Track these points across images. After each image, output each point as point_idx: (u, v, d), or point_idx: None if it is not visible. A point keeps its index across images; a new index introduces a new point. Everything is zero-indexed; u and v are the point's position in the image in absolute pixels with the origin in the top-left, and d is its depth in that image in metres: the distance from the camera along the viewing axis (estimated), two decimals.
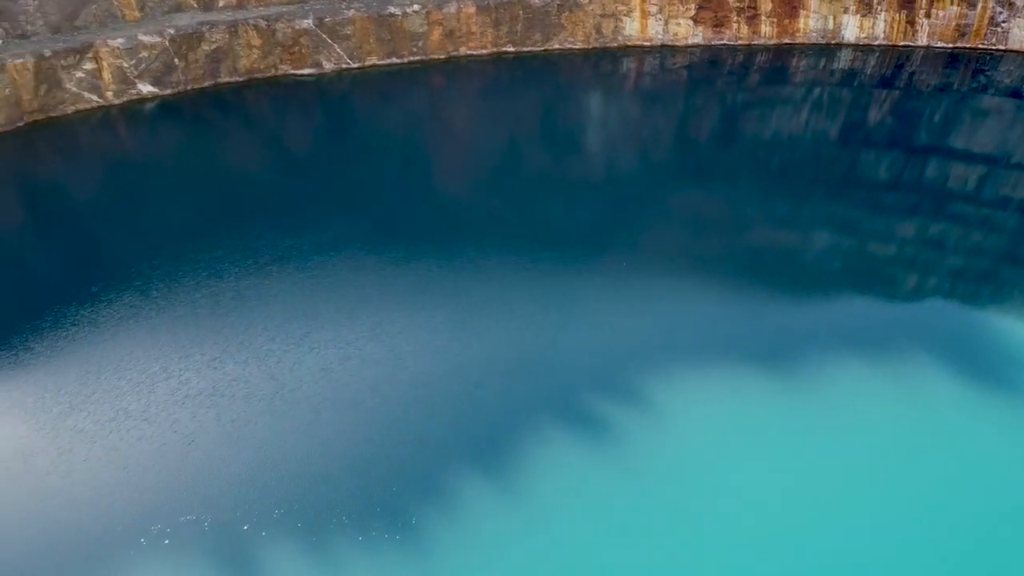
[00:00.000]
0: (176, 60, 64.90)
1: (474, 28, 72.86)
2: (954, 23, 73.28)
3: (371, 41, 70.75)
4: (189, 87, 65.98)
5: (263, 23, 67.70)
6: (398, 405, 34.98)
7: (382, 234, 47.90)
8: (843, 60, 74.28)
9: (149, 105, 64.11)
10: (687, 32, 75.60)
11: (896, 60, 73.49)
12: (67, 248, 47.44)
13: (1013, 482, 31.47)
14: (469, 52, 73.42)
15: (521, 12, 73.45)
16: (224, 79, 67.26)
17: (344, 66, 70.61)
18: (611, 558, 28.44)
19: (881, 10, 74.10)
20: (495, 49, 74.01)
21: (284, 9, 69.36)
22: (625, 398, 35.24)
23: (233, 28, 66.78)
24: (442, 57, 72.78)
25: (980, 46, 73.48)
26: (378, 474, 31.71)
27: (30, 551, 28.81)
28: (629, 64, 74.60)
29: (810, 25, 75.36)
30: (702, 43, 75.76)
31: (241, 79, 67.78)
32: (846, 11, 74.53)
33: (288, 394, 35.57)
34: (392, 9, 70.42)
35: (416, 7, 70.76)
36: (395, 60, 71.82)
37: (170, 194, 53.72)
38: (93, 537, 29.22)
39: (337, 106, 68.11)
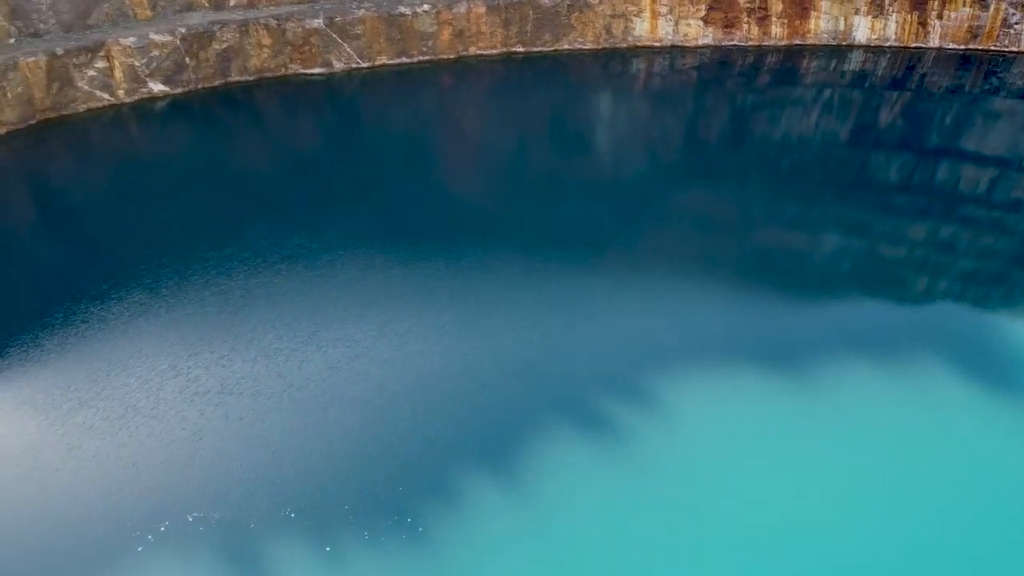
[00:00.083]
0: (187, 59, 65.18)
1: (484, 28, 72.89)
2: (966, 24, 72.88)
3: (381, 41, 70.88)
4: (200, 86, 66.24)
5: (273, 22, 67.93)
6: (406, 404, 35.04)
7: (391, 233, 47.98)
8: (854, 61, 73.97)
9: (160, 104, 64.41)
10: (697, 33, 75.44)
11: (907, 62, 73.15)
12: (78, 245, 47.71)
13: (1020, 485, 31.30)
14: (479, 52, 73.47)
15: (531, 12, 73.45)
16: (234, 78, 67.51)
17: (354, 65, 70.78)
18: (618, 558, 28.41)
19: (893, 11, 73.76)
20: (505, 49, 74.04)
21: (294, 8, 69.56)
22: (633, 399, 35.20)
23: (244, 27, 67.02)
24: (452, 57, 72.85)
25: (993, 48, 73.05)
26: (385, 473, 31.77)
27: (39, 547, 28.99)
28: (639, 65, 74.50)
29: (821, 26, 75.07)
30: (712, 44, 75.58)
31: (251, 78, 68.02)
32: (857, 12, 74.21)
33: (296, 392, 35.67)
34: (402, 9, 70.54)
35: (426, 7, 70.86)
36: (405, 60, 71.94)
37: (180, 192, 53.95)
38: (101, 533, 29.38)
39: (347, 106, 68.27)
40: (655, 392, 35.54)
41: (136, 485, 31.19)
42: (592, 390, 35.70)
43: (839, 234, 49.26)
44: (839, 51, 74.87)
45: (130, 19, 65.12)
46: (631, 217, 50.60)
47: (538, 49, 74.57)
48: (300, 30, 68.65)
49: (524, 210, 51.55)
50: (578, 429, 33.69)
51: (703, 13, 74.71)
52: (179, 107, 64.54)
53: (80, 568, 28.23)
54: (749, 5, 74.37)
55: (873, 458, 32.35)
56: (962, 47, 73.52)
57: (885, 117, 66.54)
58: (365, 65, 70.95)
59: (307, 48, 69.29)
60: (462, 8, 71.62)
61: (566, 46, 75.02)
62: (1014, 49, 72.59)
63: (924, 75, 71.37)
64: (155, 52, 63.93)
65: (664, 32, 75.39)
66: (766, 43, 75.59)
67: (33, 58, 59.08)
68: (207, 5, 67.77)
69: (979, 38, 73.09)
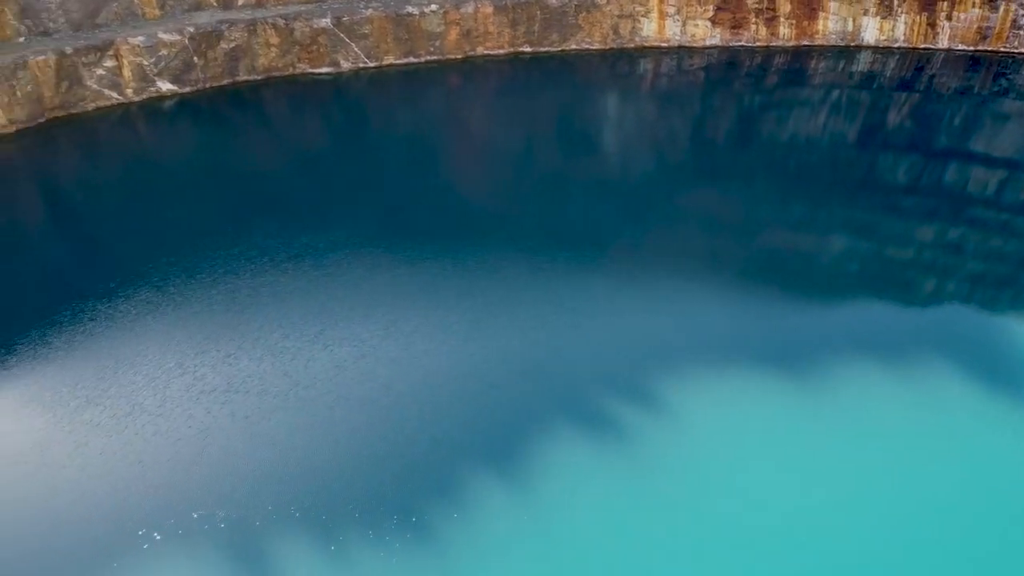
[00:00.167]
0: (195, 58, 65.38)
1: (491, 28, 72.92)
2: (976, 26, 72.60)
3: (388, 40, 70.98)
4: (208, 85, 66.46)
5: (281, 22, 68.10)
6: (412, 403, 35.07)
7: (397, 233, 48.03)
8: (862, 62, 73.76)
9: (168, 103, 64.64)
10: (705, 33, 75.34)
11: (916, 63, 72.91)
12: (86, 244, 47.92)
13: None
14: (486, 52, 73.51)
15: (538, 12, 73.45)
16: (242, 77, 67.71)
17: (361, 65, 70.89)
18: (623, 558, 28.39)
19: (901, 12, 73.52)
20: (512, 49, 74.07)
21: (302, 8, 69.72)
22: (638, 399, 35.17)
23: (252, 27, 67.21)
24: (459, 57, 72.91)
25: (1002, 49, 72.74)
26: (391, 472, 31.80)
27: (45, 543, 29.11)
28: (646, 65, 74.43)
29: (829, 27, 74.87)
30: (720, 44, 75.48)
31: (259, 77, 68.22)
32: (866, 13, 74.00)
33: (302, 391, 35.74)
34: (410, 9, 70.62)
35: (434, 7, 70.93)
36: (412, 59, 72.02)
37: (188, 191, 54.12)
38: (108, 530, 29.48)
39: (354, 105, 68.39)
40: (661, 393, 35.51)
41: (142, 483, 31.30)
42: (598, 390, 35.68)
43: (846, 235, 49.12)
44: (847, 52, 74.68)
45: (139, 18, 65.37)
46: (638, 218, 50.55)
47: (545, 49, 74.58)
48: (308, 30, 68.79)
49: (531, 210, 51.56)
50: (584, 429, 33.67)
51: (711, 14, 74.60)
52: (187, 106, 64.76)
53: (86, 565, 28.34)
54: (757, 6, 74.24)
55: (878, 460, 32.26)
56: (971, 48, 73.25)
57: (893, 118, 66.31)
58: (372, 65, 71.06)
59: (315, 48, 69.43)
60: (469, 8, 71.66)
61: (573, 46, 75.00)
62: None
63: (933, 76, 71.11)
64: (164, 51, 64.15)
65: (672, 32, 75.31)
66: (774, 44, 75.44)
67: (42, 57, 59.37)
68: (215, 4, 67.98)
69: (988, 39, 72.80)
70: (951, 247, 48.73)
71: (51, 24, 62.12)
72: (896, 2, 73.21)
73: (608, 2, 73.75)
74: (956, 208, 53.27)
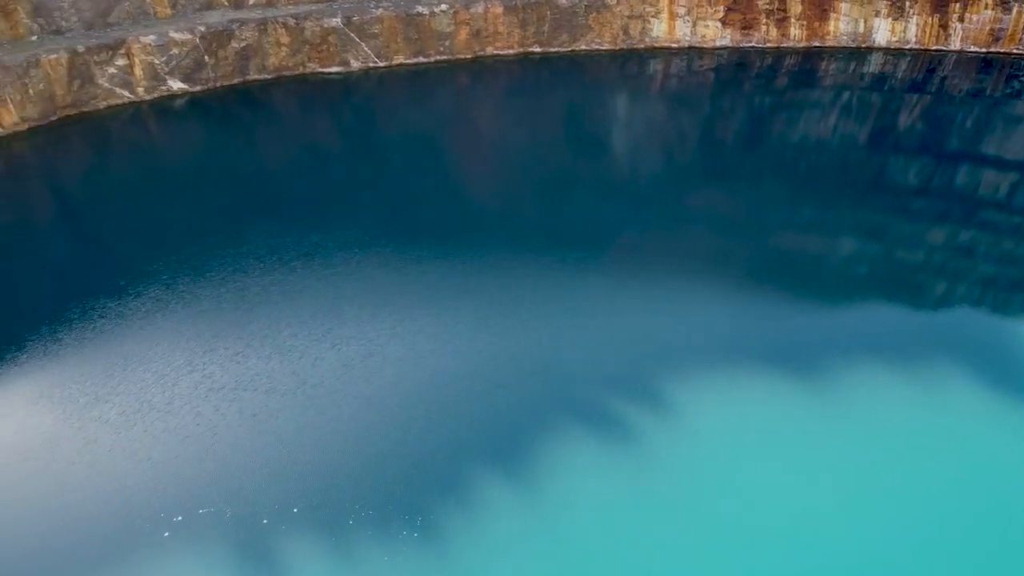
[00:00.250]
0: (206, 57, 65.66)
1: (501, 28, 72.95)
2: (988, 27, 72.17)
3: (398, 40, 71.11)
4: (218, 84, 66.73)
5: (292, 21, 68.31)
6: (418, 402, 35.13)
7: (406, 232, 48.12)
8: (873, 64, 73.44)
9: (179, 101, 64.93)
10: (715, 34, 75.16)
11: (928, 64, 72.54)
12: (96, 241, 48.19)
13: None
14: (496, 52, 73.55)
15: (548, 13, 73.44)
16: (253, 76, 67.95)
17: (371, 65, 71.05)
18: (628, 558, 28.36)
19: (913, 14, 73.16)
20: (522, 49, 74.08)
21: (313, 8, 69.93)
22: (645, 400, 35.13)
23: (263, 26, 67.45)
24: (469, 57, 72.97)
25: (1015, 51, 72.28)
26: (398, 471, 31.86)
27: (54, 539, 29.30)
28: (656, 66, 74.32)
29: (840, 28, 74.57)
30: (730, 45, 75.29)
31: (269, 77, 68.45)
32: (877, 14, 73.67)
33: (310, 389, 35.85)
34: (420, 8, 70.72)
35: (444, 7, 71.00)
36: (422, 59, 72.13)
37: (198, 190, 54.37)
38: (116, 527, 29.64)
39: (363, 105, 68.54)
40: (667, 393, 35.46)
41: (151, 479, 31.46)
42: (604, 390, 35.65)
43: (856, 238, 48.93)
44: (858, 53, 74.36)
45: (150, 17, 65.71)
46: (646, 218, 50.48)
47: (555, 49, 74.56)
48: (318, 29, 68.99)
49: (539, 210, 51.56)
50: (589, 429, 33.65)
51: (721, 14, 74.42)
52: (198, 105, 65.04)
53: (95, 561, 28.50)
54: (768, 7, 74.02)
55: (884, 462, 32.12)
56: (983, 50, 72.82)
57: (904, 120, 65.99)
58: (382, 64, 71.21)
59: (325, 47, 69.62)
60: (479, 8, 71.72)
61: (583, 47, 74.96)
62: None
63: (945, 78, 70.74)
64: (175, 50, 64.46)
65: (682, 33, 75.17)
66: (784, 45, 75.19)
67: (55, 55, 59.74)
68: (226, 4, 68.25)
69: (1001, 41, 72.36)
70: (961, 250, 48.47)
71: (63, 23, 62.50)
72: (908, 3, 72.87)
73: (618, 2, 73.67)
74: (967, 211, 52.98)
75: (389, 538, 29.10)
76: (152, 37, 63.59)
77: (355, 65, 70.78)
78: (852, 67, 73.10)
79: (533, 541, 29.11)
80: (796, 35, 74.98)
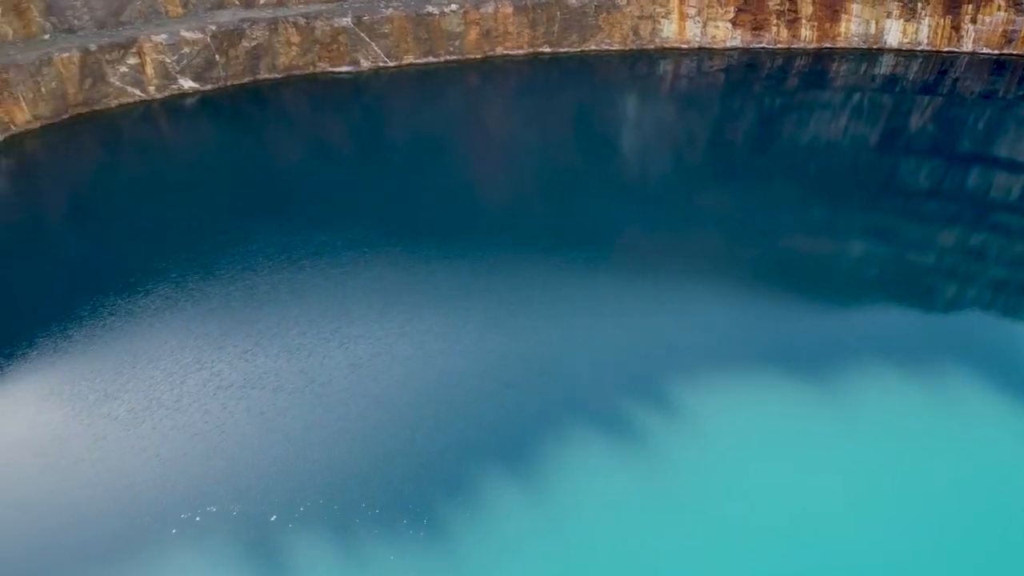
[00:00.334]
0: (217, 56, 65.89)
1: (511, 28, 72.95)
2: (1001, 29, 71.73)
3: (408, 40, 71.18)
4: (229, 83, 66.94)
5: (303, 21, 68.49)
6: (427, 402, 35.15)
7: (415, 232, 48.15)
8: (885, 65, 73.09)
9: (190, 100, 65.18)
10: (725, 35, 74.95)
11: (940, 66, 72.14)
12: (107, 238, 48.38)
13: None
14: (505, 52, 73.54)
15: (558, 13, 73.39)
16: (263, 76, 68.15)
17: (381, 64, 71.15)
18: (636, 558, 28.31)
19: (925, 15, 72.78)
20: (531, 49, 74.05)
21: (323, 7, 70.08)
22: (653, 400, 35.05)
23: (273, 25, 67.64)
24: (478, 57, 72.98)
25: None
26: (405, 470, 31.89)
27: (63, 535, 29.43)
28: (666, 66, 74.17)
29: (851, 29, 74.25)
30: (740, 46, 75.06)
31: (280, 76, 68.64)
32: (889, 16, 73.31)
33: (318, 388, 35.92)
34: (430, 8, 70.79)
35: (454, 7, 71.05)
36: (432, 59, 72.18)
37: (208, 188, 54.56)
38: (124, 523, 29.76)
39: (373, 104, 68.65)
40: (675, 394, 35.37)
41: (159, 476, 31.58)
42: (612, 391, 35.59)
43: (866, 240, 48.69)
44: (870, 55, 74.01)
45: (162, 16, 65.98)
46: (656, 219, 50.38)
47: (565, 50, 74.50)
48: (329, 29, 69.14)
49: (548, 210, 51.51)
50: (598, 430, 33.60)
51: (732, 15, 74.20)
52: (208, 104, 65.27)
53: (104, 557, 28.63)
54: (778, 7, 73.77)
55: (894, 464, 31.97)
56: (996, 52, 72.37)
57: (916, 122, 65.66)
58: (392, 64, 71.30)
59: (335, 47, 69.76)
60: (489, 8, 71.73)
61: (593, 47, 74.87)
62: None
63: (956, 80, 70.34)
64: (186, 49, 64.71)
65: (692, 34, 74.99)
66: (795, 46, 74.91)
67: (67, 54, 60.06)
68: (237, 3, 68.48)
69: (1014, 43, 71.89)
70: (972, 253, 48.20)
71: (76, 21, 62.83)
72: (920, 5, 72.49)
73: (628, 3, 73.57)
74: (979, 214, 52.66)
75: (396, 537, 29.13)
76: (163, 36, 63.86)
77: (365, 65, 70.90)
78: (863, 68, 72.78)
79: (541, 541, 29.09)
80: (807, 36, 74.70)
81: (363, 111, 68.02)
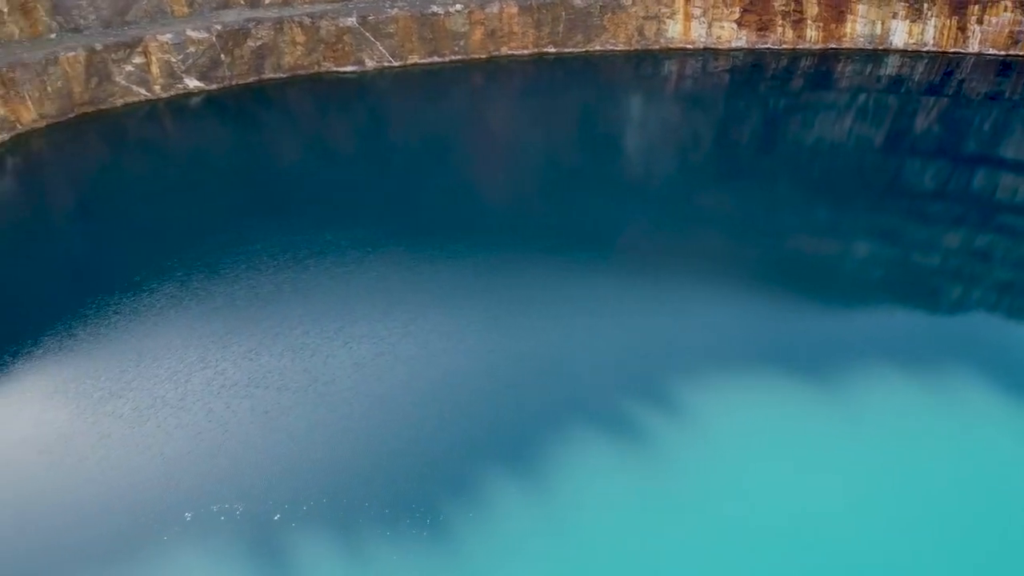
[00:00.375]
0: (222, 56, 66.01)
1: (516, 28, 72.95)
2: (1007, 30, 71.50)
3: (413, 40, 71.23)
4: (234, 83, 67.06)
5: (308, 20, 68.58)
6: (430, 401, 35.17)
7: (419, 232, 48.18)
8: (891, 66, 72.92)
9: (195, 99, 65.30)
10: (731, 35, 74.86)
11: (946, 67, 71.95)
12: (112, 237, 48.51)
13: None
14: (510, 52, 73.54)
15: (563, 13, 73.38)
16: (268, 75, 68.26)
17: (386, 64, 71.21)
18: (639, 558, 28.29)
19: (931, 16, 72.59)
20: (536, 49, 74.05)
21: (329, 7, 70.17)
22: (656, 400, 35.02)
23: (279, 25, 67.74)
24: (483, 57, 73.00)
25: None
26: (408, 469, 31.91)
27: (67, 533, 29.52)
28: (671, 67, 74.10)
29: (857, 30, 74.09)
30: (746, 47, 74.95)
31: (285, 75, 68.73)
32: (895, 16, 73.14)
33: (322, 387, 35.96)
34: (435, 8, 70.83)
35: (459, 7, 71.08)
36: (436, 59, 72.22)
37: (213, 187, 54.68)
38: (128, 521, 29.82)
39: (378, 104, 68.71)
40: (679, 395, 35.33)
41: (163, 475, 31.64)
42: (615, 391, 35.57)
43: (871, 241, 48.59)
44: (875, 55, 73.86)
45: (167, 16, 66.14)
46: (660, 220, 50.35)
47: (570, 50, 74.48)
48: (333, 28, 69.23)
49: (552, 211, 51.50)
50: (601, 429, 33.59)
51: (737, 15, 74.12)
52: (213, 103, 65.39)
53: (107, 555, 28.69)
54: (784, 8, 73.66)
55: (897, 465, 31.90)
56: (1002, 53, 72.14)
57: (921, 123, 65.51)
58: (397, 64, 71.36)
59: (340, 46, 69.84)
60: (494, 8, 71.75)
61: (598, 47, 74.84)
62: None
63: (963, 81, 70.15)
64: (191, 49, 64.84)
65: (697, 34, 74.91)
66: (800, 46, 74.78)
67: (73, 53, 60.23)
68: (243, 3, 68.61)
69: (1021, 44, 71.66)
70: (976, 254, 48.07)
71: (82, 21, 63.01)
72: (926, 5, 72.29)
73: (633, 3, 73.52)
74: (985, 215, 52.52)
75: (400, 536, 29.15)
76: (169, 35, 64.00)
77: (370, 64, 70.97)
78: (869, 69, 72.62)
79: (543, 541, 29.09)
80: (812, 37, 74.56)
81: (368, 111, 68.09)
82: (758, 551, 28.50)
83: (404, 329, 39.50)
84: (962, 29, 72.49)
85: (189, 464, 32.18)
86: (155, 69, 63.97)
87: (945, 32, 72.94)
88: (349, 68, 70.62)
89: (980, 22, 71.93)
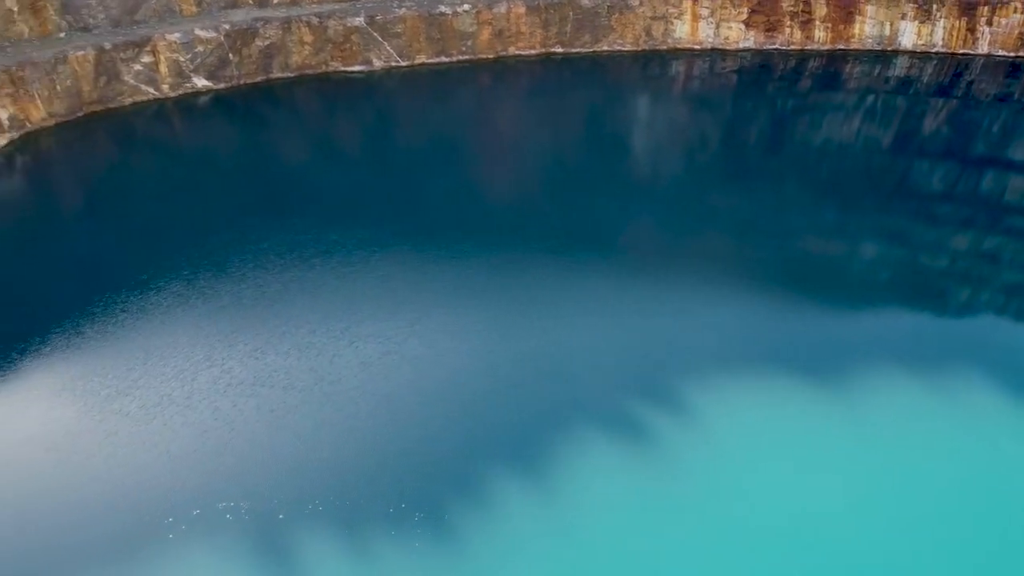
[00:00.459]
0: (231, 55, 66.18)
1: (523, 28, 72.94)
2: (1017, 31, 71.14)
3: (421, 40, 71.29)
4: (242, 82, 67.21)
5: (315, 20, 68.70)
6: (435, 401, 35.22)
7: (426, 232, 48.22)
8: (899, 67, 72.64)
9: (203, 98, 65.49)
10: (738, 36, 74.67)
11: (954, 68, 71.63)
12: (119, 236, 48.67)
13: None
14: (518, 52, 73.53)
15: (571, 13, 73.33)
16: (276, 75, 68.39)
17: (394, 64, 71.28)
18: (643, 558, 28.27)
19: (940, 17, 72.26)
20: (544, 50, 74.02)
21: (336, 7, 70.27)
22: (662, 401, 34.98)
23: (287, 24, 67.87)
24: (491, 57, 73.00)
25: None
26: (414, 468, 31.96)
27: (74, 530, 29.66)
28: (678, 67, 73.97)
29: (866, 31, 73.82)
30: (753, 47, 74.74)
31: (292, 75, 68.85)
32: (904, 17, 72.84)
33: (327, 386, 36.04)
34: (442, 8, 70.87)
35: (466, 7, 71.10)
36: (444, 59, 72.25)
37: (220, 186, 54.83)
38: (134, 518, 29.95)
39: (386, 104, 68.77)
40: (684, 396, 35.29)
41: (169, 473, 31.77)
42: (621, 392, 35.55)
43: (878, 243, 48.43)
44: (884, 56, 73.57)
45: (176, 15, 66.33)
46: (667, 220, 50.29)
47: (577, 50, 74.42)
48: (341, 28, 69.32)
49: (559, 211, 51.45)
50: (605, 430, 33.57)
51: (745, 16, 73.92)
52: (221, 102, 65.56)
53: (113, 552, 28.82)
54: (792, 9, 73.44)
55: (903, 467, 31.83)
56: (1012, 54, 71.77)
57: (930, 124, 65.25)
58: (405, 64, 71.42)
59: (348, 46, 69.93)
60: (502, 8, 71.75)
61: (605, 47, 74.76)
62: None
63: (972, 82, 69.83)
64: (200, 48, 65.03)
65: (705, 35, 74.75)
66: (809, 47, 74.55)
67: (82, 52, 60.47)
68: (251, 2, 68.75)
69: None
70: (984, 256, 47.87)
71: (91, 20, 63.25)
72: (935, 6, 71.98)
73: (641, 4, 73.43)
74: (993, 217, 52.29)
75: (404, 535, 29.20)
76: (178, 35, 64.20)
77: (377, 64, 71.05)
78: (877, 70, 72.35)
79: (548, 540, 29.10)
80: (820, 37, 74.32)
81: (375, 111, 68.17)
82: (763, 552, 28.46)
83: (410, 329, 39.55)
84: (971, 30, 72.14)
85: (195, 462, 32.30)
86: (163, 68, 64.18)
87: (954, 33, 72.61)
88: (357, 68, 70.71)
89: (989, 23, 71.58)
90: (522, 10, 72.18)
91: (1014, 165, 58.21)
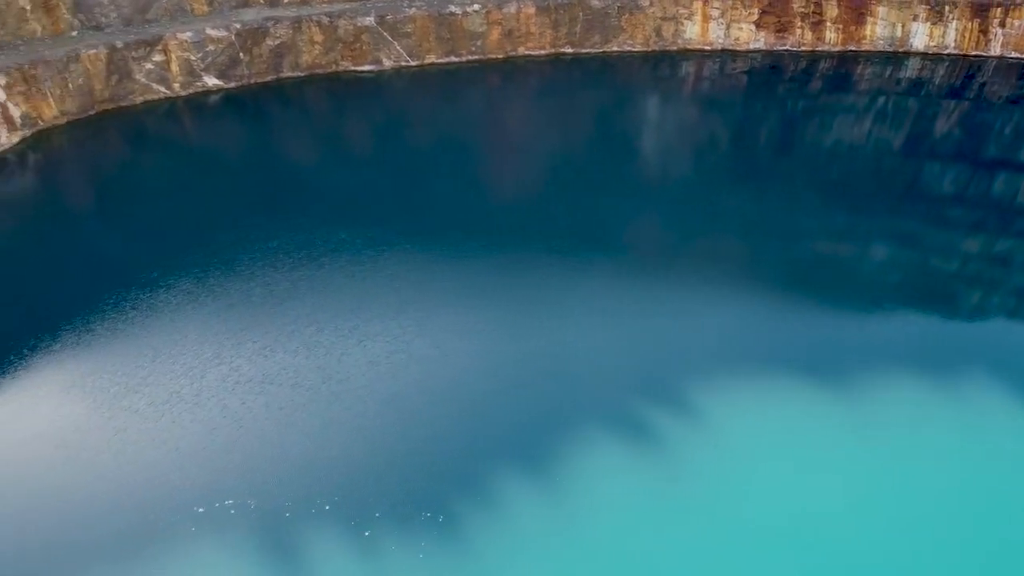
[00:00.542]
0: (241, 54, 66.42)
1: (533, 28, 72.93)
2: None
3: (431, 39, 71.37)
4: (252, 81, 67.42)
5: (326, 20, 68.86)
6: (443, 400, 35.25)
7: (434, 231, 48.28)
8: (910, 69, 72.27)
9: (214, 97, 65.72)
10: (749, 37, 74.46)
11: (967, 70, 71.22)
12: (130, 233, 48.91)
13: None
14: (527, 52, 73.50)
15: (581, 14, 73.27)
16: (286, 74, 68.59)
17: (403, 64, 71.38)
18: (650, 559, 28.23)
19: (952, 18, 71.87)
20: (553, 50, 73.98)
21: (347, 6, 70.42)
22: (669, 403, 34.92)
23: (297, 24, 68.06)
24: (500, 57, 73.00)
25: None
26: (421, 467, 32.01)
27: (83, 527, 29.82)
28: (688, 68, 73.81)
29: (877, 32, 73.49)
30: (764, 48, 74.51)
31: (303, 74, 69.03)
32: (915, 19, 72.47)
33: (335, 385, 36.12)
34: (452, 8, 70.94)
35: (476, 7, 71.14)
36: (454, 59, 72.31)
37: (230, 185, 55.03)
38: (142, 515, 30.07)
39: (395, 103, 68.87)
40: (691, 397, 35.21)
41: (178, 470, 31.90)
42: (628, 393, 35.50)
43: (888, 245, 48.24)
44: (895, 58, 73.22)
45: (187, 14, 66.59)
46: (676, 221, 50.20)
47: (587, 50, 74.35)
48: (351, 28, 69.47)
49: (568, 212, 51.42)
50: (612, 431, 33.53)
51: (755, 17, 73.71)
52: (232, 101, 65.79)
53: (122, 548, 28.95)
54: (803, 10, 73.17)
55: (910, 470, 31.70)
56: None
57: (942, 127, 64.92)
58: (414, 63, 71.51)
59: (358, 45, 70.08)
60: (512, 8, 71.76)
61: (615, 48, 74.67)
62: None
63: (984, 84, 69.43)
64: (211, 47, 65.29)
65: (715, 36, 74.58)
66: (819, 48, 74.26)
67: (94, 50, 60.79)
68: (262, 2, 68.97)
69: None
70: (998, 260, 47.58)
71: (103, 19, 63.58)
72: (947, 8, 71.60)
73: (651, 4, 73.31)
74: (1005, 220, 52.00)
75: (411, 534, 29.23)
76: (189, 34, 64.48)
77: (387, 64, 71.17)
78: (888, 72, 72.02)
79: (554, 540, 29.11)
80: (831, 39, 74.02)
81: (384, 110, 68.28)
82: (768, 553, 28.38)
83: (418, 328, 39.61)
84: (983, 32, 71.72)
85: (203, 459, 32.43)
86: (175, 67, 64.46)
87: (966, 35, 72.20)
88: (367, 67, 70.84)
89: (1002, 25, 71.15)
90: (532, 10, 72.17)
91: None
